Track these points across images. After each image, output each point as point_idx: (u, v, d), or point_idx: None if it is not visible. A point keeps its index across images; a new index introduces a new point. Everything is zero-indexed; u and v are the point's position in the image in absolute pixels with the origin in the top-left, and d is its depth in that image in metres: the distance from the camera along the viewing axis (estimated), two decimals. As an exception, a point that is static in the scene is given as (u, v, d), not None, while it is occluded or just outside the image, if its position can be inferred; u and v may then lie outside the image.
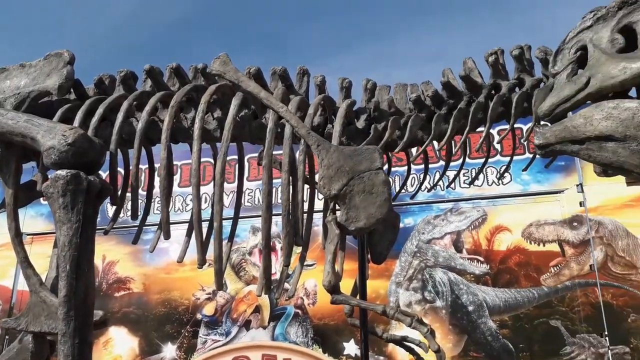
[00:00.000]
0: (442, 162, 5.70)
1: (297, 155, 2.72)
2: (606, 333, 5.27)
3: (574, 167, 5.67)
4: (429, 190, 3.82)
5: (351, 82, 2.98)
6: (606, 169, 2.36)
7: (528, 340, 5.52)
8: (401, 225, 6.03)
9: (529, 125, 2.82)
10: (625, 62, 2.17)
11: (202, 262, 2.68)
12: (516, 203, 5.72)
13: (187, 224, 3.04)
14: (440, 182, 3.70)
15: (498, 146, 5.76)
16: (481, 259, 5.74)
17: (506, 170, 3.62)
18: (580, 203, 5.55)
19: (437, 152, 3.02)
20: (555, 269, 5.51)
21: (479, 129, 2.91)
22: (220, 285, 2.68)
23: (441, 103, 2.88)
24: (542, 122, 2.54)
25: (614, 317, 5.28)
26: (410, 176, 5.83)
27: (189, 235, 3.01)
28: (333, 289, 2.43)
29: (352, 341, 5.89)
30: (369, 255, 3.03)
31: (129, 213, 2.94)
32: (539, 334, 5.48)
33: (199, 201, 2.65)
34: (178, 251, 2.99)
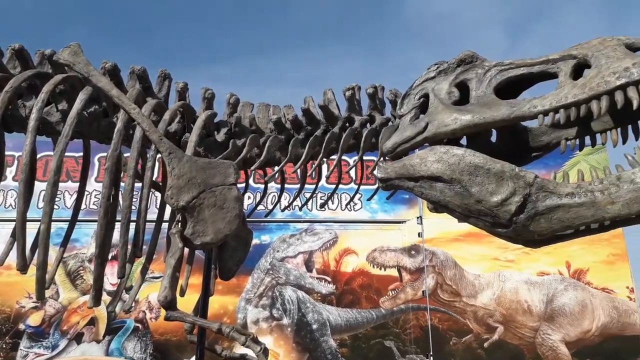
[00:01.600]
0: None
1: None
2: (431, 354, 5.80)
3: (415, 201, 6.24)
4: (283, 210, 3.90)
5: (214, 94, 2.95)
6: (436, 206, 2.62)
7: (364, 359, 5.85)
8: (257, 242, 6.10)
9: (379, 158, 3.04)
10: (457, 113, 2.45)
11: (22, 266, 2.40)
12: (364, 229, 6.11)
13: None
14: (298, 203, 3.80)
15: (353, 175, 6.11)
16: (329, 279, 5.99)
17: (352, 198, 3.83)
18: (419, 234, 6.12)
19: (298, 174, 3.13)
20: (393, 292, 5.97)
21: (333, 157, 3.06)
22: (41, 294, 2.42)
23: (300, 128, 2.98)
24: (386, 158, 2.75)
25: (439, 340, 5.85)
26: (271, 194, 5.92)
27: (14, 235, 2.69)
28: (169, 304, 2.34)
29: (193, 358, 5.70)
30: (217, 271, 2.99)
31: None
32: (374, 353, 5.84)
33: (26, 199, 2.39)
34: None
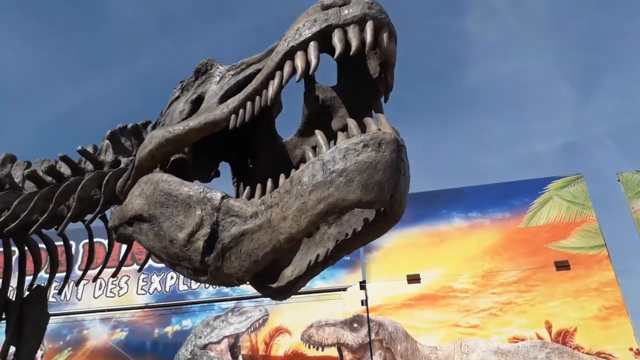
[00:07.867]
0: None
1: None
2: None
3: (358, 263, 5.41)
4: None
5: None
6: (154, 256, 2.01)
7: None
8: (178, 328, 5.43)
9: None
10: (156, 131, 1.92)
11: None
12: (298, 301, 5.24)
13: None
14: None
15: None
16: (256, 366, 5.14)
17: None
18: (362, 302, 5.20)
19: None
20: (333, 377, 5.00)
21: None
22: None
23: (61, 178, 2.55)
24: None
25: None
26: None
27: None
28: None
29: None
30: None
31: None
32: None
33: None
34: None
